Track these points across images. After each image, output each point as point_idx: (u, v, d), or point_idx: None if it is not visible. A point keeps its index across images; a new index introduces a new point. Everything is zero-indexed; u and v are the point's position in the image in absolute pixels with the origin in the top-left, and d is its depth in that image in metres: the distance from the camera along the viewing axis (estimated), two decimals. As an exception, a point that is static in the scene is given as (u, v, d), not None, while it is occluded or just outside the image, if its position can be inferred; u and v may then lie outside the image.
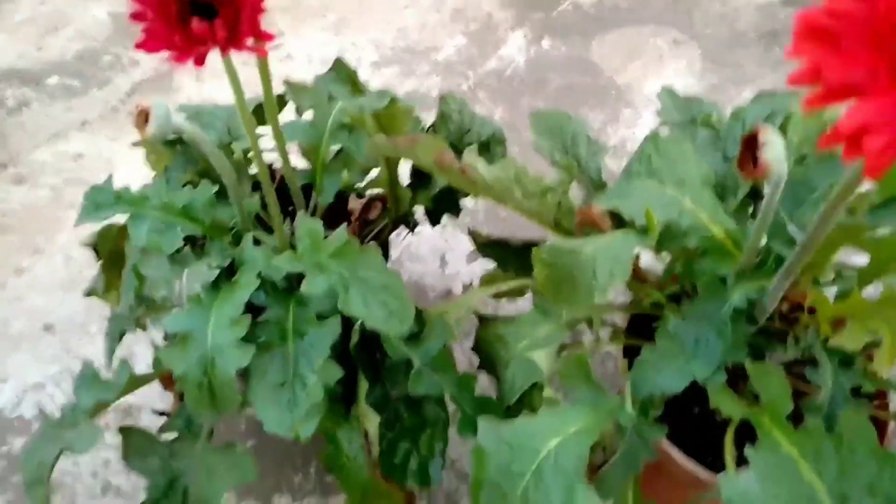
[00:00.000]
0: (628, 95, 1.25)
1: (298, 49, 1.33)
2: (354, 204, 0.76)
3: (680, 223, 0.56)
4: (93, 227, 0.73)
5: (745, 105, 0.67)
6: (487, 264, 1.03)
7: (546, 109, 0.74)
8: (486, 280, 0.83)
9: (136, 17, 0.35)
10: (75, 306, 0.95)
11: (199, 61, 0.35)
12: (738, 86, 1.27)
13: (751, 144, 0.44)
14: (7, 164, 1.12)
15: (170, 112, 0.49)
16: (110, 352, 0.63)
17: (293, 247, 0.63)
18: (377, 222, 0.75)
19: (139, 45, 0.35)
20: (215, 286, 0.57)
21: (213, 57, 1.19)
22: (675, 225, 0.55)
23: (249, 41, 0.35)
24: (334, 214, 0.72)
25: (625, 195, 0.58)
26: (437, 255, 1.02)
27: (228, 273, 0.60)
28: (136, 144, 0.79)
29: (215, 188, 0.61)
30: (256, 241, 0.62)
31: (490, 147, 0.72)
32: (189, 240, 0.62)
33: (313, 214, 0.70)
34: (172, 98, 1.24)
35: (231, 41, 0.35)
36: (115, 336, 0.63)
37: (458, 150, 0.73)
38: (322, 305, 0.56)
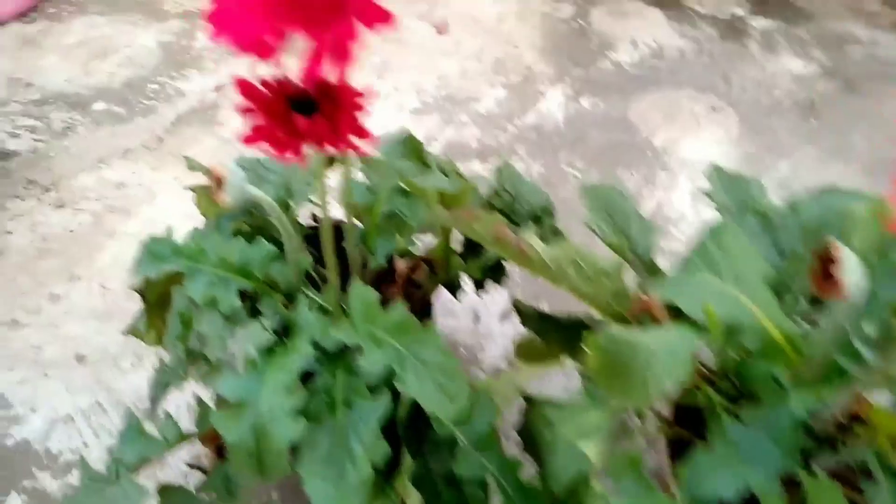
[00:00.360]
0: (664, 158, 1.25)
1: (341, 90, 1.35)
2: (401, 264, 0.76)
3: (738, 321, 0.55)
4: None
5: (802, 198, 0.67)
6: (519, 328, 1.03)
7: (599, 184, 0.74)
8: (524, 350, 0.83)
9: (246, 112, 0.36)
10: (109, 338, 0.96)
11: (297, 153, 0.36)
12: (775, 155, 1.27)
13: (824, 259, 0.45)
14: (50, 187, 1.14)
15: (244, 181, 0.49)
16: (154, 402, 0.63)
17: (344, 310, 0.64)
18: (423, 284, 0.75)
19: (246, 140, 0.36)
20: (269, 349, 0.57)
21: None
22: (733, 322, 0.55)
23: (349, 138, 0.36)
24: (382, 274, 0.73)
25: (682, 287, 0.58)
26: (471, 311, 1.02)
27: (281, 334, 0.60)
28: (188, 188, 0.80)
29: (273, 247, 0.62)
30: (308, 301, 0.62)
31: (541, 218, 0.73)
32: (240, 294, 0.62)
33: (362, 275, 0.71)
34: (216, 131, 1.25)
35: (331, 138, 0.35)
36: (162, 387, 0.63)
37: (509, 219, 0.74)
38: (370, 375, 0.56)
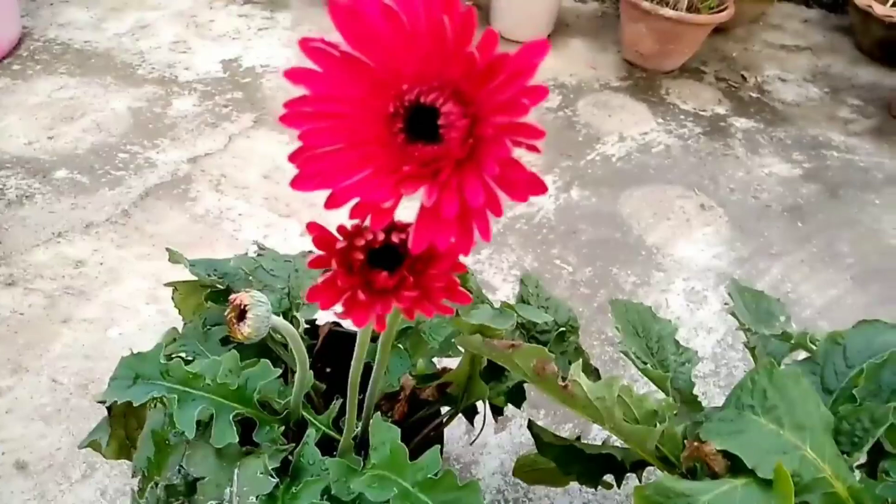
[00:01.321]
0: (658, 258, 1.22)
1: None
2: (407, 380, 0.69)
3: (801, 475, 0.50)
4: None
5: (844, 331, 0.63)
6: (516, 438, 0.96)
7: (626, 301, 0.69)
8: (526, 470, 0.76)
9: (315, 263, 0.29)
10: (56, 443, 0.84)
11: (381, 324, 0.29)
12: (767, 260, 1.26)
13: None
14: (-1, 262, 1.03)
15: (270, 312, 0.42)
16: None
17: (358, 446, 0.56)
18: (429, 404, 0.68)
19: (310, 297, 0.29)
20: (270, 494, 0.49)
21: (226, 168, 1.11)
22: (796, 477, 0.50)
23: (442, 302, 0.29)
24: (388, 393, 0.65)
25: (738, 434, 0.52)
26: (464, 421, 0.94)
27: (282, 471, 0.52)
28: (168, 285, 0.71)
29: (278, 370, 0.54)
30: (314, 432, 0.54)
31: (565, 335, 0.67)
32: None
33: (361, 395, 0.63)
34: (188, 207, 1.17)
35: (420, 301, 0.29)
36: (135, 535, 0.53)
37: (531, 336, 0.67)
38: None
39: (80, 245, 1.08)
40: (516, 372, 0.54)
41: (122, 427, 0.69)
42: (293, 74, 0.22)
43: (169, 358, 0.55)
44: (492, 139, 0.22)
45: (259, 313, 0.41)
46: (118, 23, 1.60)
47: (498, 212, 0.22)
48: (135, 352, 0.56)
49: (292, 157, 0.24)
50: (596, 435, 0.93)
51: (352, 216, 0.23)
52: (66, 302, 0.99)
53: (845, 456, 0.56)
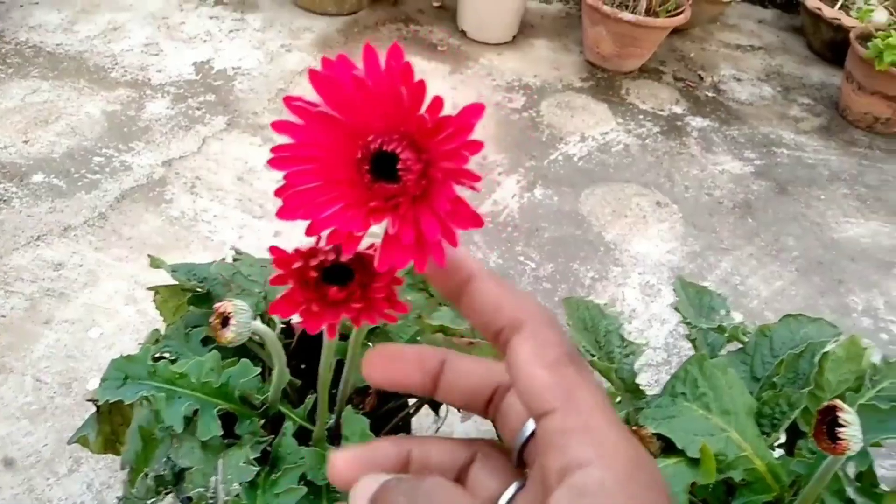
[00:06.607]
0: (616, 253, 1.29)
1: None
2: (376, 373, 0.74)
3: (726, 455, 0.57)
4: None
5: (771, 324, 0.70)
6: (481, 426, 1.03)
7: (578, 298, 0.75)
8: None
9: (276, 281, 0.34)
10: (42, 439, 0.88)
11: (332, 332, 0.34)
12: (718, 254, 1.33)
13: (827, 417, 0.46)
14: (-21, 266, 1.06)
15: (251, 318, 0.47)
16: (117, 539, 0.58)
17: (330, 436, 0.61)
18: (397, 396, 0.73)
19: (272, 309, 0.34)
20: (252, 482, 0.54)
21: (200, 170, 1.14)
22: (723, 457, 0.56)
23: (386, 311, 0.35)
24: (359, 387, 0.70)
25: (671, 419, 0.59)
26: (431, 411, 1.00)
27: (262, 460, 0.57)
28: (151, 289, 0.76)
29: (258, 368, 0.59)
30: (291, 425, 0.59)
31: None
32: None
33: (334, 389, 0.68)
34: (164, 210, 1.20)
35: (366, 311, 0.34)
36: (126, 522, 0.58)
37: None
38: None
39: (58, 248, 1.11)
40: (474, 367, 0.60)
41: (107, 423, 0.73)
42: (279, 126, 0.28)
43: (155, 359, 0.59)
44: (440, 181, 0.28)
45: (241, 320, 0.46)
46: (90, 25, 1.62)
47: (454, 242, 0.27)
48: (120, 353, 0.60)
49: (278, 192, 0.29)
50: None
51: (328, 242, 0.28)
52: (46, 304, 1.03)
53: (766, 436, 0.63)
